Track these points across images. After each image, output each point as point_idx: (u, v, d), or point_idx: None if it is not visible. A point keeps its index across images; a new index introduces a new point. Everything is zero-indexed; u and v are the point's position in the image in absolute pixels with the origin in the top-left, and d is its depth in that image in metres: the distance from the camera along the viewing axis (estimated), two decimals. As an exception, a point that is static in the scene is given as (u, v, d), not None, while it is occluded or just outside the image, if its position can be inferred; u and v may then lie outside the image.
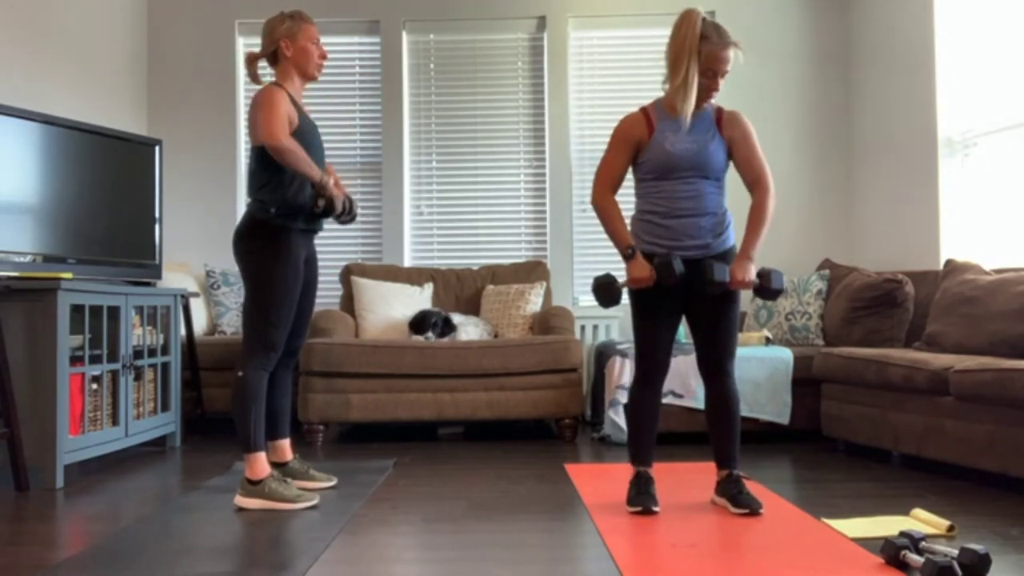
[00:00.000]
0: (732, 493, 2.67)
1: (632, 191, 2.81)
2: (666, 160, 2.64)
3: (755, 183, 2.69)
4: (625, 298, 4.35)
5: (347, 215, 2.94)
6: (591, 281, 2.83)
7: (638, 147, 2.70)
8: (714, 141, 2.66)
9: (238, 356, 2.86)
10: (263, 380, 2.84)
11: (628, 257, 2.65)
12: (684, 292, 2.71)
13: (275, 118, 2.75)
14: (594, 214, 5.23)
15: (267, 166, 2.84)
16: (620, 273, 5.19)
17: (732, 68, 2.75)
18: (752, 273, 2.64)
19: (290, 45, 2.90)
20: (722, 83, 2.64)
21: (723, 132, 2.69)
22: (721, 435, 2.74)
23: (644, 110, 2.72)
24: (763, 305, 4.67)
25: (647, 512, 2.64)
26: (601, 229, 5.24)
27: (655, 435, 2.77)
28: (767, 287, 2.66)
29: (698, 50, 2.56)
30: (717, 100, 4.61)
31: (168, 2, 5.26)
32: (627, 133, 2.70)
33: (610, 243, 5.20)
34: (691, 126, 2.66)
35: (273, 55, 2.94)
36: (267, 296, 2.81)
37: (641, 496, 2.67)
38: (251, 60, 3.00)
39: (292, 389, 3.19)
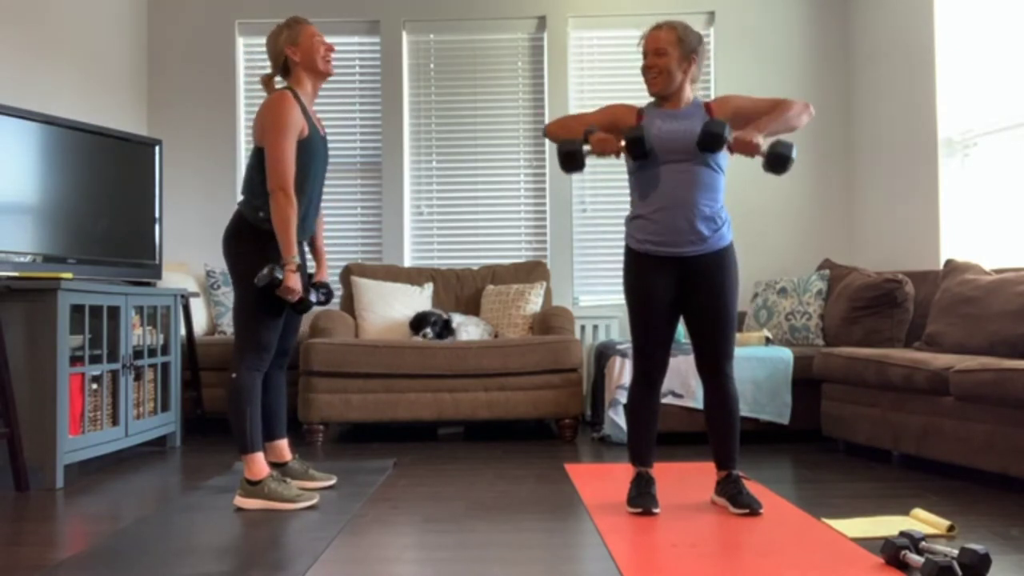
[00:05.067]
0: (732, 493, 2.67)
1: (628, 193, 2.80)
2: (654, 143, 2.63)
3: (780, 109, 2.59)
4: (622, 299, 4.35)
5: (305, 306, 2.82)
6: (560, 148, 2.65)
7: (618, 128, 2.70)
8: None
9: (231, 358, 2.85)
10: (257, 381, 2.84)
11: (588, 134, 2.62)
12: (680, 293, 2.70)
13: (286, 151, 2.74)
14: (592, 215, 5.25)
15: (265, 170, 2.84)
16: (615, 278, 5.20)
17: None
18: (759, 138, 2.53)
19: (295, 50, 2.91)
20: (663, 65, 2.63)
21: (716, 116, 2.66)
22: (720, 436, 2.74)
23: (638, 108, 2.77)
24: (763, 305, 4.67)
25: (647, 513, 2.64)
26: (600, 230, 5.24)
27: (655, 435, 2.77)
28: (775, 152, 2.50)
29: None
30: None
31: (168, 2, 5.26)
32: (616, 109, 2.75)
33: (610, 244, 5.21)
34: (680, 113, 2.67)
35: (284, 67, 2.94)
36: (257, 296, 2.81)
37: (642, 496, 2.67)
38: (266, 82, 2.99)
39: (289, 389, 3.19)
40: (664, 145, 2.62)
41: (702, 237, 2.64)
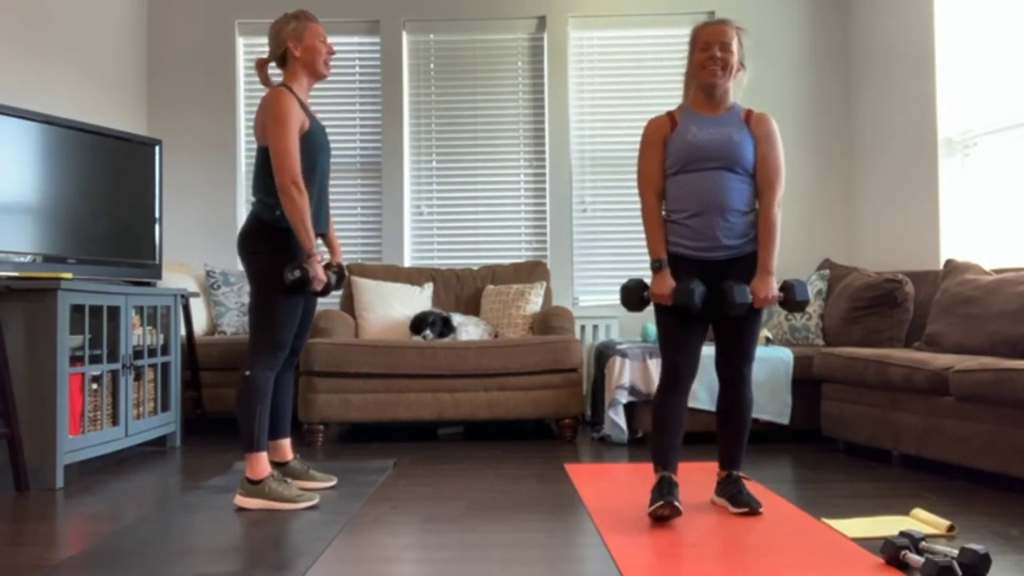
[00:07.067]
0: (732, 493, 2.67)
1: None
2: (689, 150, 2.59)
3: (767, 185, 2.62)
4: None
5: (327, 291, 2.88)
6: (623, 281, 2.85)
7: (665, 144, 2.66)
8: (741, 133, 2.61)
9: (245, 356, 2.86)
10: (270, 380, 2.84)
11: (655, 270, 2.63)
12: (711, 295, 2.64)
13: (290, 145, 2.76)
14: (592, 215, 5.25)
15: (272, 169, 2.84)
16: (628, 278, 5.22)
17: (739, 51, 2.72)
18: (774, 288, 2.60)
19: (298, 45, 2.90)
20: (728, 59, 2.61)
21: (751, 128, 2.64)
22: (730, 439, 2.71)
23: (669, 112, 2.71)
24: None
25: (673, 511, 2.49)
26: (600, 230, 5.24)
27: (681, 439, 2.66)
28: (792, 299, 2.62)
29: (692, 49, 2.69)
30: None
31: (168, 2, 5.26)
32: (653, 134, 2.68)
33: (610, 244, 5.22)
34: (717, 120, 2.63)
35: (282, 57, 2.94)
36: (273, 295, 2.81)
37: (664, 495, 2.51)
38: (261, 65, 3.00)
39: (293, 389, 3.19)
40: (699, 152, 2.59)
41: (735, 242, 2.62)
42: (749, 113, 2.68)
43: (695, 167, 2.60)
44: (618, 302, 5.13)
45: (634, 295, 2.69)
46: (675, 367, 2.64)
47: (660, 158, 2.67)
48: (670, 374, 2.65)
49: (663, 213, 2.70)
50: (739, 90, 2.74)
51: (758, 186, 2.65)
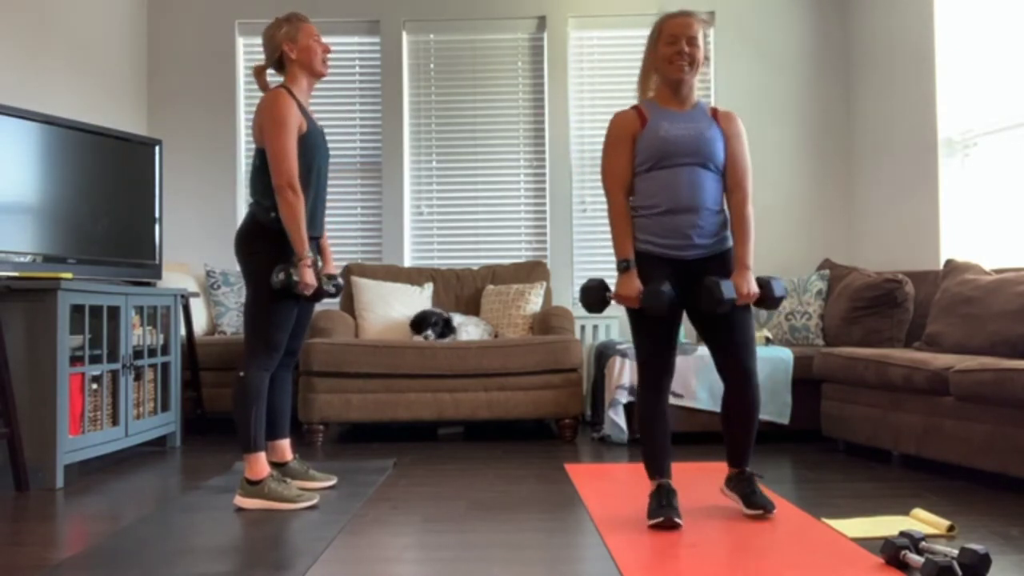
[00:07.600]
0: (745, 492, 2.62)
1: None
2: (661, 146, 2.54)
3: (736, 185, 2.60)
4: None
5: (319, 296, 2.91)
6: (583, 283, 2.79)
7: (634, 141, 2.60)
8: (712, 129, 2.58)
9: (241, 356, 2.86)
10: (265, 380, 2.84)
11: (622, 270, 2.56)
12: (683, 295, 2.61)
13: (287, 147, 2.76)
14: (592, 215, 5.25)
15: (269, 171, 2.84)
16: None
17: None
18: (754, 284, 2.56)
19: (293, 47, 2.90)
20: (695, 54, 2.54)
21: (720, 124, 2.62)
22: (738, 439, 2.65)
23: (636, 107, 2.65)
24: (763, 305, 4.67)
25: (670, 523, 2.46)
26: (600, 230, 5.24)
27: (669, 440, 2.62)
28: (770, 296, 2.58)
29: (655, 41, 2.62)
30: (717, 101, 4.59)
31: (168, 2, 5.26)
32: (621, 130, 2.61)
33: (610, 243, 5.21)
34: (686, 115, 2.60)
35: (279, 61, 2.94)
36: (269, 296, 2.81)
37: (664, 508, 2.48)
38: (258, 72, 3.00)
39: (292, 389, 3.19)
40: (672, 148, 2.54)
41: (706, 241, 2.58)
42: (715, 110, 2.66)
43: (668, 163, 2.55)
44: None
45: (594, 296, 2.62)
46: (653, 369, 2.59)
47: (629, 155, 2.61)
48: (650, 377, 2.59)
49: (632, 210, 2.63)
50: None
51: (728, 185, 2.63)
